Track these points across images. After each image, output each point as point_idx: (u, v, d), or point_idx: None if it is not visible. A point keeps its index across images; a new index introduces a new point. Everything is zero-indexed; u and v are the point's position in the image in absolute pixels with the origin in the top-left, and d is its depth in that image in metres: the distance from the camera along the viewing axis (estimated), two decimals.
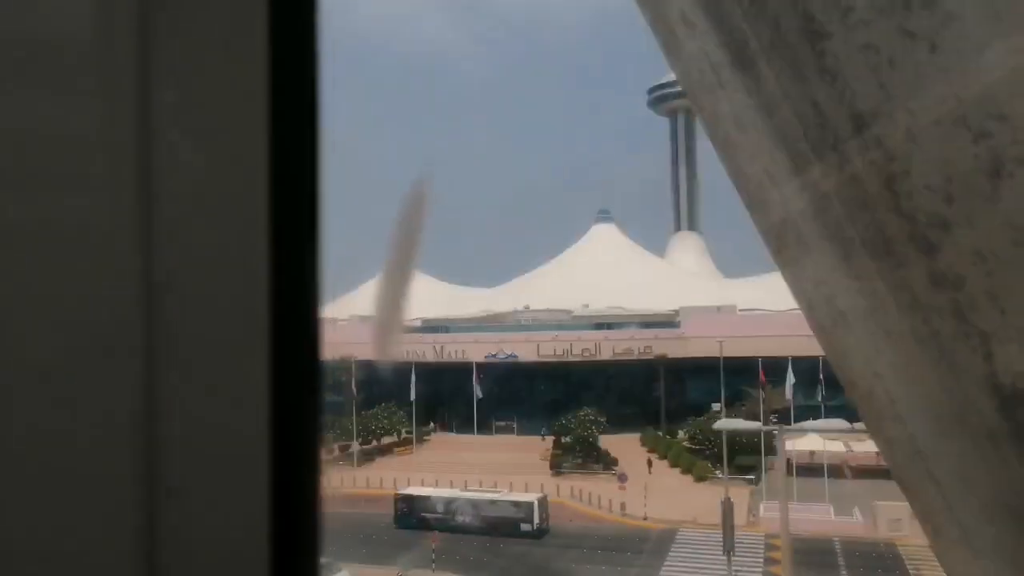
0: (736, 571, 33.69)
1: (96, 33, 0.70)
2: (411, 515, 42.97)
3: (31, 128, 0.70)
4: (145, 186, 0.70)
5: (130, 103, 0.70)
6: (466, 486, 47.20)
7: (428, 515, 42.44)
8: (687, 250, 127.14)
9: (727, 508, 32.82)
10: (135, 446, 0.70)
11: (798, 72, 1.01)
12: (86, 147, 0.70)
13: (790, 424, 53.18)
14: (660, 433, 60.61)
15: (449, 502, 43.30)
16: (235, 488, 0.72)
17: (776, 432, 55.75)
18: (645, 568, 36.62)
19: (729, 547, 32.72)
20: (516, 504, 42.09)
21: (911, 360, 1.03)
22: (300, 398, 0.75)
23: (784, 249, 1.17)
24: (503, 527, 40.74)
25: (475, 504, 42.82)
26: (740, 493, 48.00)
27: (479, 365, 64.32)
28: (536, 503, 41.79)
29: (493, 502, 42.61)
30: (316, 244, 0.78)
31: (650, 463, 55.47)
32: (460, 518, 42.36)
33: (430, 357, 67.99)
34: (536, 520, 40.94)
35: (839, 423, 53.51)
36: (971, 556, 1.08)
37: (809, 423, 41.43)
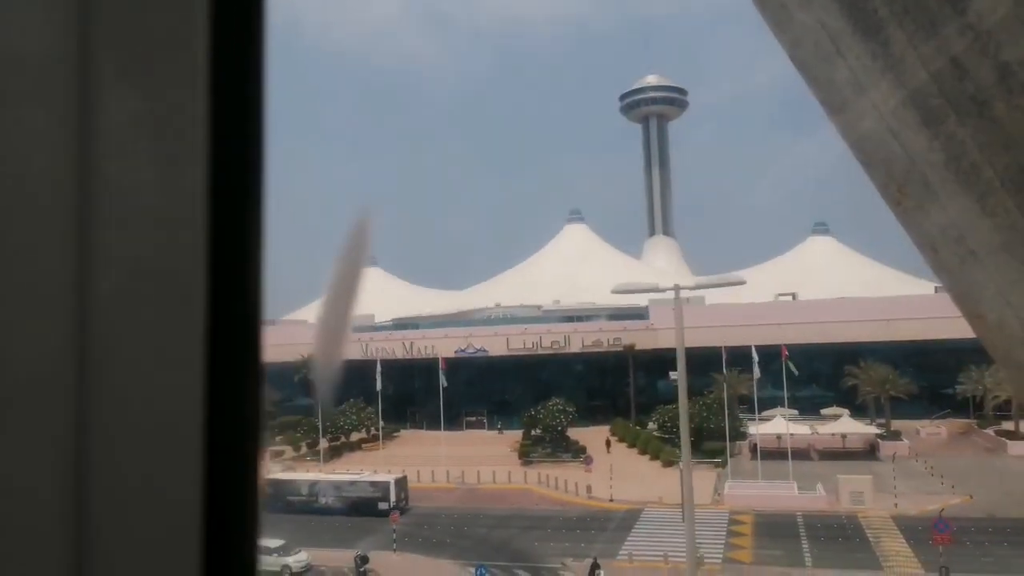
0: (697, 533, 33.56)
1: (38, 50, 0.70)
2: (277, 498, 43.79)
3: None
4: (84, 185, 0.70)
5: (72, 122, 0.70)
6: (420, 476, 48.09)
7: (293, 498, 43.58)
8: (660, 253, 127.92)
9: (686, 471, 32.78)
10: (66, 441, 0.70)
11: (935, 31, 1.08)
12: (27, 161, 0.70)
13: (755, 410, 53.73)
14: (630, 423, 60.58)
15: (312, 484, 45.06)
16: (168, 482, 0.72)
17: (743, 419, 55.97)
18: (608, 544, 36.41)
19: (689, 513, 32.59)
20: (374, 484, 44.10)
21: None
22: (238, 394, 0.75)
23: (906, 199, 1.25)
24: (362, 507, 42.48)
25: (336, 486, 44.63)
26: (708, 475, 48.17)
27: (448, 360, 64.02)
28: (393, 483, 43.55)
29: (353, 483, 44.55)
30: (259, 248, 0.78)
31: (608, 443, 56.14)
32: (322, 499, 44.13)
33: (399, 354, 67.65)
34: (392, 499, 42.64)
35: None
36: None
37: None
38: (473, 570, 31.79)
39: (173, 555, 0.73)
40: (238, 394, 0.76)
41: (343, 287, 1.02)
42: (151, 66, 0.72)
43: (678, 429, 53.82)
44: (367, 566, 34.02)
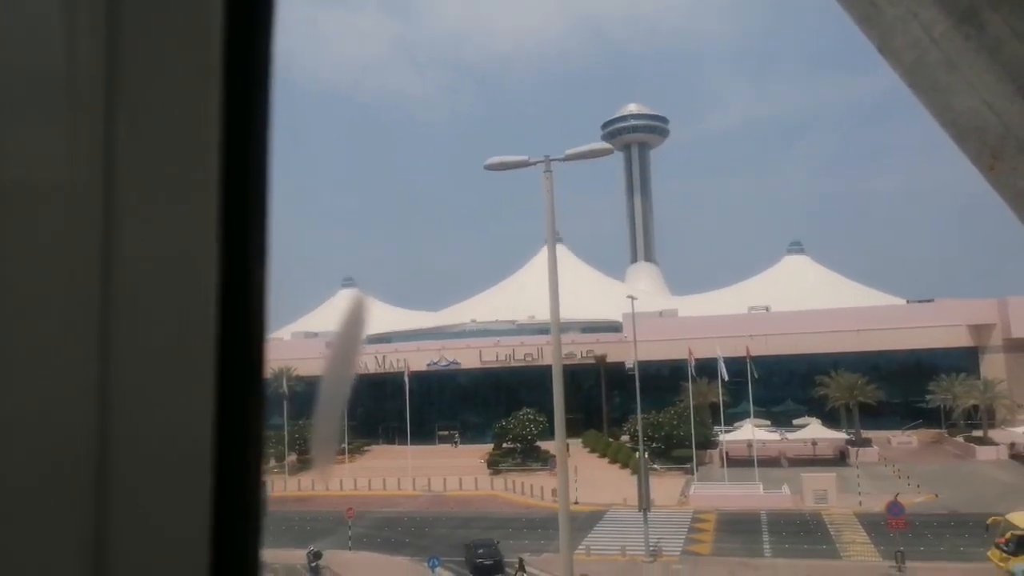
0: (659, 530, 33.24)
1: (65, 70, 0.74)
2: None
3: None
4: (109, 188, 0.74)
5: (97, 138, 0.73)
6: (386, 485, 47.37)
7: None
8: (642, 278, 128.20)
9: (643, 463, 32.57)
10: (86, 448, 0.73)
11: None
12: (54, 174, 0.74)
13: (721, 421, 53.55)
14: (602, 434, 60.17)
15: None
16: (179, 490, 0.75)
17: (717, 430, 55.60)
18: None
19: (646, 505, 32.27)
20: None
21: None
22: (245, 407, 0.79)
23: (999, 163, 1.37)
24: None
25: None
26: (676, 480, 47.87)
27: (421, 373, 63.62)
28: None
29: None
30: (264, 263, 0.81)
31: (567, 446, 55.59)
32: None
33: (371, 368, 67.18)
34: None
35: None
36: None
37: None
38: (427, 563, 31.29)
39: (184, 557, 0.75)
40: (244, 405, 0.79)
41: (340, 363, 1.03)
42: (168, 69, 0.75)
43: (650, 438, 54.04)
44: (319, 562, 33.40)
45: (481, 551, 32.35)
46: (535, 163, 11.45)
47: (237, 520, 0.79)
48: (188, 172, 0.77)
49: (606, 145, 11.62)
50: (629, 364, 51.28)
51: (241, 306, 0.79)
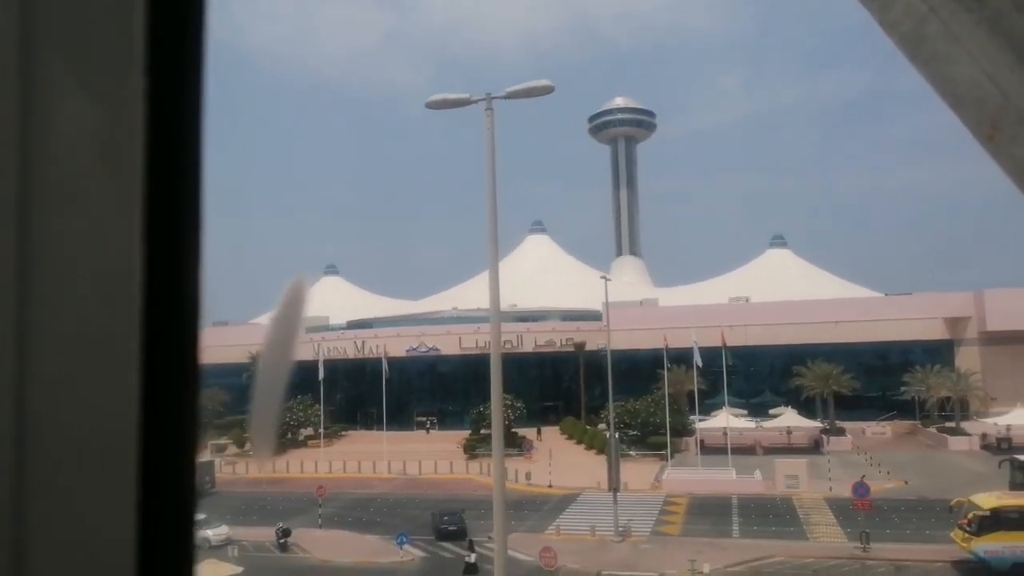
0: (630, 513, 33.33)
1: None
2: None
3: None
4: (26, 183, 0.71)
5: (14, 127, 0.71)
6: (361, 468, 47.34)
7: None
8: (627, 271, 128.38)
9: (612, 445, 32.65)
10: (4, 437, 0.70)
11: None
12: None
13: (696, 409, 53.74)
14: (580, 421, 60.28)
15: None
16: (103, 485, 0.72)
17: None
18: (540, 521, 35.99)
19: (616, 486, 32.37)
20: None
21: None
22: (174, 394, 0.76)
23: (999, 133, 1.36)
24: None
25: None
26: (651, 466, 48.02)
27: (400, 359, 63.46)
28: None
29: None
30: (197, 247, 0.78)
31: (539, 431, 57.45)
32: None
33: (351, 353, 66.98)
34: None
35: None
36: None
37: None
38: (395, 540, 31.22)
39: (109, 545, 0.73)
40: (174, 393, 0.76)
41: (277, 349, 0.99)
42: (90, 69, 0.73)
43: (627, 425, 54.24)
44: (288, 539, 33.26)
45: (446, 518, 33.84)
46: (476, 101, 11.35)
47: (167, 514, 0.76)
48: (112, 153, 0.73)
49: (546, 82, 11.53)
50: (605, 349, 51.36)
51: (171, 293, 0.76)
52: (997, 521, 26.18)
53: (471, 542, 29.51)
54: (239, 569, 25.36)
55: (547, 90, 10.99)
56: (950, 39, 1.37)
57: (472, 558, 28.25)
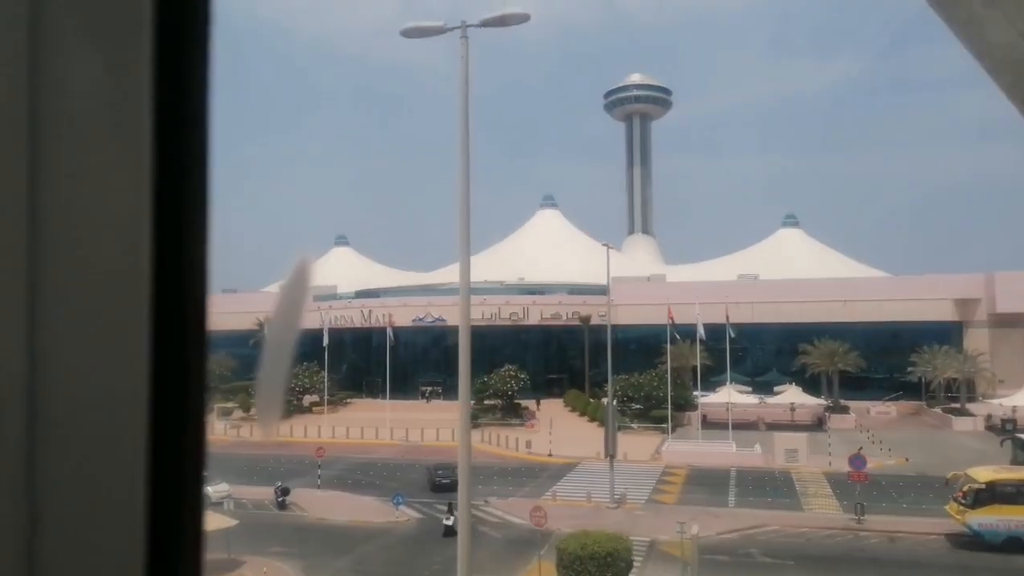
0: (629, 482, 33.46)
1: None
2: None
3: None
4: (34, 165, 0.71)
5: (22, 103, 0.71)
6: (364, 434, 47.69)
7: None
8: (639, 249, 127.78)
9: (610, 412, 32.68)
10: (15, 407, 0.72)
11: None
12: None
13: (697, 384, 53.65)
14: (584, 394, 60.38)
15: None
16: (115, 439, 0.74)
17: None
18: (537, 487, 36.19)
19: (612, 452, 32.44)
20: None
21: None
22: (183, 363, 0.77)
23: None
24: None
25: None
26: (653, 438, 48.10)
27: (406, 329, 63.67)
28: None
29: None
30: (204, 216, 0.79)
31: (538, 401, 57.91)
32: None
33: (357, 322, 67.26)
34: None
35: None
36: None
37: None
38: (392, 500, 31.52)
39: (120, 517, 0.74)
40: (182, 361, 0.77)
41: (284, 319, 1.00)
42: (99, 38, 0.73)
43: (630, 399, 54.33)
44: (286, 498, 33.65)
45: (440, 471, 34.67)
46: (451, 29, 11.19)
47: (176, 472, 0.77)
48: (121, 122, 0.73)
49: (521, 11, 11.35)
50: (614, 323, 51.30)
51: (179, 261, 0.77)
52: (993, 494, 26.04)
53: (451, 505, 29.73)
54: (234, 522, 25.69)
55: (522, 18, 10.80)
56: (988, 5, 1.40)
57: (451, 520, 28.39)
